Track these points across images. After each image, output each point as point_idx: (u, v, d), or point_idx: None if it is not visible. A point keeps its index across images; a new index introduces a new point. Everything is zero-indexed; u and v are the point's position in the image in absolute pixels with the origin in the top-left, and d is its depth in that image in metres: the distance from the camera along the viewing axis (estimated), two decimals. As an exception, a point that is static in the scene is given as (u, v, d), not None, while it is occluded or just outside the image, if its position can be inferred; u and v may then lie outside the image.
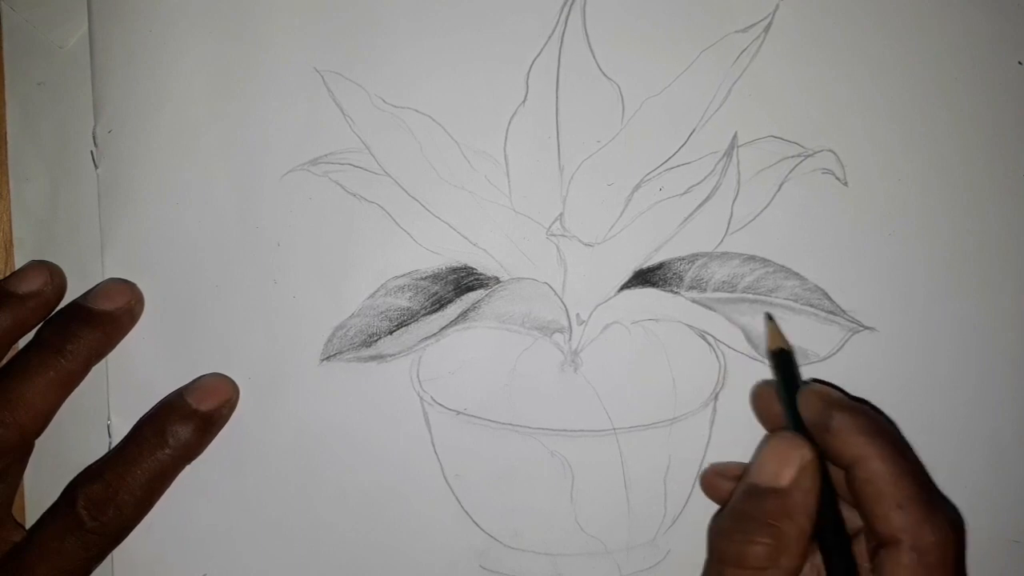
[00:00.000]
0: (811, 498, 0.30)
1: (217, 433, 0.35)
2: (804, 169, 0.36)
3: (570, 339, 0.36)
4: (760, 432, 0.35)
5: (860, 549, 0.31)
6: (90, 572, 0.33)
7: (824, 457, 0.31)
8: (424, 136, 0.36)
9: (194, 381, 0.35)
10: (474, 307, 0.36)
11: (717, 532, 0.30)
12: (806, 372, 0.35)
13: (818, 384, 0.33)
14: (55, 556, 0.32)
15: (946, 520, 0.29)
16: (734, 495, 0.31)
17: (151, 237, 0.36)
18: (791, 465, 0.30)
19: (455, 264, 0.36)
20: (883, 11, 0.36)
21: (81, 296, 0.35)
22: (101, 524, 0.33)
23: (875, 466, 0.30)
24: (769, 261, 0.36)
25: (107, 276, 0.36)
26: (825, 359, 0.35)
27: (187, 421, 0.34)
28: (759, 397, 0.35)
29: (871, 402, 0.34)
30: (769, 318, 0.35)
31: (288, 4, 0.36)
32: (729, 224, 0.36)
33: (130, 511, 0.33)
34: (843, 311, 0.36)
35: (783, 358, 0.34)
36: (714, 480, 0.35)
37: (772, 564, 0.29)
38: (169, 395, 0.35)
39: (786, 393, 0.33)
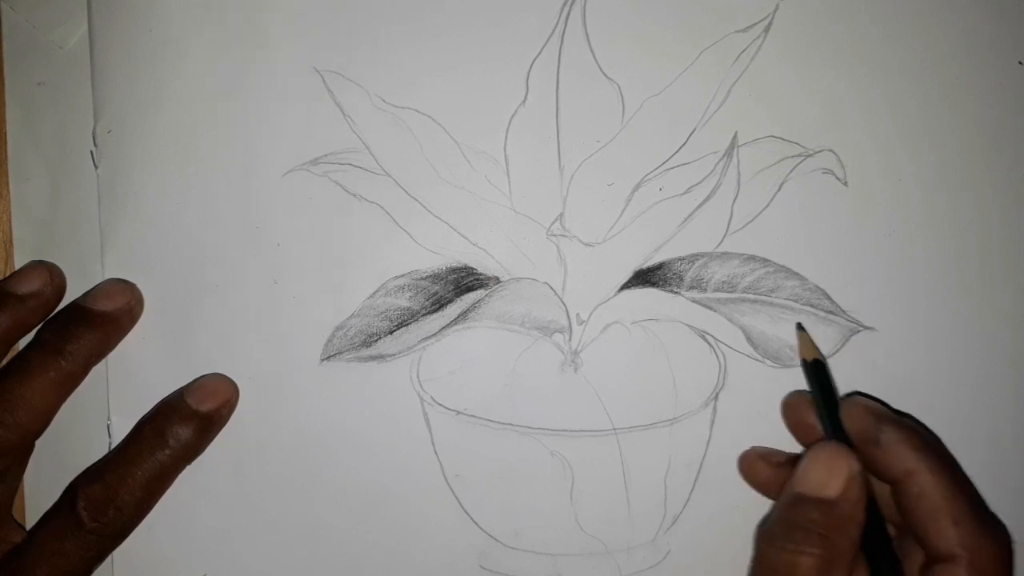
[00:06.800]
0: (859, 509, 0.30)
1: (217, 433, 0.35)
2: (804, 169, 0.36)
3: (570, 339, 0.36)
4: (762, 432, 0.36)
5: (906, 564, 0.31)
6: (91, 573, 0.33)
7: (867, 470, 0.31)
8: (424, 136, 0.36)
9: (194, 382, 0.35)
10: (474, 307, 0.36)
11: (766, 539, 0.30)
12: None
13: (861, 397, 0.33)
14: (55, 557, 0.32)
15: (999, 536, 0.30)
16: (780, 502, 0.31)
17: (151, 237, 0.36)
18: (838, 476, 0.30)
19: (455, 264, 0.36)
20: (883, 11, 0.36)
21: (81, 296, 0.35)
22: (101, 525, 0.33)
23: (928, 481, 0.30)
24: (769, 261, 0.36)
25: (107, 276, 0.36)
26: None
27: (187, 422, 0.34)
28: (791, 407, 0.35)
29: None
30: (800, 328, 0.35)
31: (288, 4, 0.36)
32: (729, 224, 0.36)
33: (130, 512, 0.33)
34: (843, 311, 0.36)
35: (818, 368, 0.34)
36: (755, 462, 0.35)
37: (822, 574, 0.29)
38: (169, 396, 0.35)
39: (825, 404, 0.33)
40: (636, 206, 0.36)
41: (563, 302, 0.36)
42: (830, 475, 0.30)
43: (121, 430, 0.35)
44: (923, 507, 0.30)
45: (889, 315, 0.36)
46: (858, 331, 0.36)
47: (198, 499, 0.36)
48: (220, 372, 0.36)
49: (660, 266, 0.36)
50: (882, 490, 0.32)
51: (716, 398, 0.36)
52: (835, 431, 0.32)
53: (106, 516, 0.33)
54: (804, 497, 0.30)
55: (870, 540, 0.30)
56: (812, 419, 0.34)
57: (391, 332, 0.36)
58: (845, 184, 0.36)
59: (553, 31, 0.35)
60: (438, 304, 0.36)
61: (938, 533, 0.30)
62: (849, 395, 0.34)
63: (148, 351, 0.36)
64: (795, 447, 0.35)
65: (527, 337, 0.36)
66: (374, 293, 0.36)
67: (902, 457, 0.30)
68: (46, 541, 0.33)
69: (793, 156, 0.36)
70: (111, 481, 0.33)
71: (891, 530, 0.32)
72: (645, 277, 0.36)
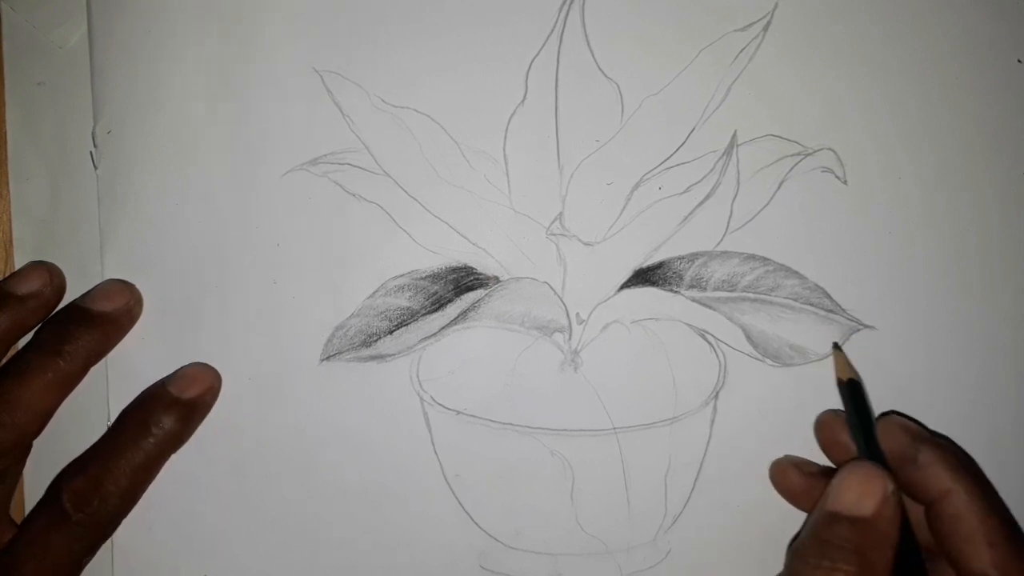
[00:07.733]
0: (894, 528, 0.29)
1: (201, 421, 0.35)
2: (804, 168, 0.36)
3: (570, 339, 0.36)
4: (762, 431, 0.36)
5: None
6: (81, 566, 0.33)
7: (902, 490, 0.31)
8: (424, 136, 0.36)
9: (176, 371, 0.35)
10: (474, 307, 0.36)
11: (798, 557, 0.30)
12: (807, 371, 0.35)
13: (898, 416, 0.34)
14: (43, 551, 0.32)
15: None
16: (812, 520, 0.30)
17: (151, 237, 0.36)
18: (873, 495, 0.29)
19: (455, 264, 0.36)
20: (883, 10, 0.36)
21: (80, 297, 0.35)
22: (86, 516, 0.32)
23: (963, 501, 0.30)
24: (769, 260, 0.36)
25: (107, 276, 0.36)
26: (825, 358, 0.35)
27: (170, 410, 0.34)
28: (824, 426, 0.35)
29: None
30: (836, 347, 0.35)
31: (288, 4, 0.36)
32: (729, 223, 0.36)
33: (115, 501, 0.33)
34: (843, 310, 0.36)
35: (853, 388, 0.33)
36: (787, 470, 0.35)
37: None
38: (151, 385, 0.35)
39: (860, 424, 0.33)
40: (635, 205, 0.36)
41: (563, 301, 0.36)
42: (864, 494, 0.29)
43: (121, 430, 0.35)
44: (958, 528, 0.30)
45: (889, 314, 0.36)
46: (858, 330, 0.36)
47: (198, 499, 0.36)
48: (217, 371, 0.36)
49: (660, 265, 0.36)
50: (914, 512, 0.32)
51: (716, 397, 0.36)
52: (870, 451, 0.32)
53: (91, 507, 0.32)
54: (838, 515, 0.29)
55: (903, 562, 0.30)
56: (845, 438, 0.34)
57: (391, 332, 0.36)
58: (845, 183, 0.36)
59: (552, 31, 0.35)
60: (438, 304, 0.36)
61: (973, 554, 0.30)
62: (885, 414, 0.34)
63: (148, 351, 0.36)
64: (797, 450, 0.35)
65: (527, 337, 0.36)
66: (374, 293, 0.36)
67: (939, 477, 0.31)
68: (33, 536, 0.32)
69: (793, 155, 0.36)
70: (95, 472, 0.33)
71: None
72: (645, 276, 0.36)
